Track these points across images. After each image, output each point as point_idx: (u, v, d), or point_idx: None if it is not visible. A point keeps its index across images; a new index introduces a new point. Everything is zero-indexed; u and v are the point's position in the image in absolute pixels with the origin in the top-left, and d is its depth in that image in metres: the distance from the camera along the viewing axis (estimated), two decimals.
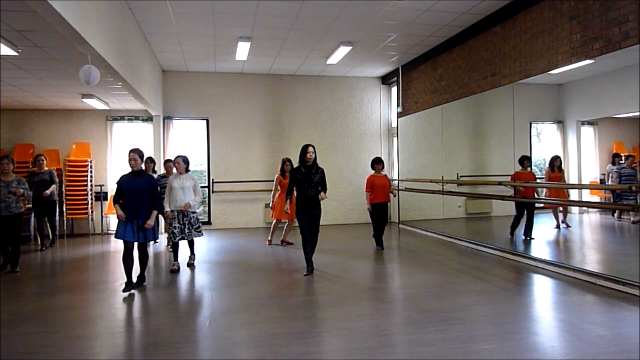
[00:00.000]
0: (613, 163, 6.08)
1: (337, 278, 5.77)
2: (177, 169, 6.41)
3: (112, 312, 4.58)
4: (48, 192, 7.87)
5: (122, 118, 10.38)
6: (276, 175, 8.09)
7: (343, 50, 8.70)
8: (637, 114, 5.17)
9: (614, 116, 6.24)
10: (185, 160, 6.39)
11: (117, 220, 5.23)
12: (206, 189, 10.73)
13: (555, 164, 6.43)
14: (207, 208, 10.76)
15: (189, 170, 6.46)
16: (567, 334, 3.81)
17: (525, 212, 6.80)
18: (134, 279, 5.29)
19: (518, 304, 4.64)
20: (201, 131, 10.77)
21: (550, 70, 5.96)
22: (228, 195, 10.67)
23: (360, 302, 4.80)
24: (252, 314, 4.40)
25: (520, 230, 6.93)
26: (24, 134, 10.02)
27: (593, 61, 5.35)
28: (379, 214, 7.48)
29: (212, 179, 10.61)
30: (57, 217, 8.81)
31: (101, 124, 10.32)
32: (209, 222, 10.64)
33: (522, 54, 6.51)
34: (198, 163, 11.05)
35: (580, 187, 6.23)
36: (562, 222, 6.74)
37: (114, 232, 5.36)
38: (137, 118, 10.41)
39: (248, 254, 7.50)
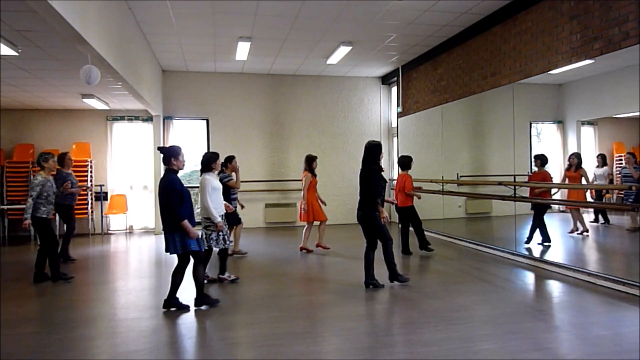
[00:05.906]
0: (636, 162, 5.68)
1: (337, 278, 5.77)
2: (216, 168, 5.61)
3: (112, 312, 4.59)
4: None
5: (122, 118, 10.38)
6: (308, 175, 7.26)
7: (343, 50, 8.70)
8: (637, 114, 5.16)
9: (614, 116, 6.24)
10: None
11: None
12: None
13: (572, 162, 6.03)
14: None
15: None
16: (567, 334, 3.81)
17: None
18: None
19: (518, 304, 4.64)
20: (201, 131, 10.77)
21: (550, 70, 5.96)
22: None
23: (360, 302, 4.80)
24: (252, 314, 4.41)
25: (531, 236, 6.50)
26: (24, 134, 10.02)
27: (593, 61, 5.35)
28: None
29: None
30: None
31: (101, 124, 10.32)
32: None
33: (522, 54, 6.50)
34: (197, 163, 11.03)
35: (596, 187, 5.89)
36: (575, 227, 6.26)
37: (199, 244, 4.46)
38: (137, 118, 10.41)
39: (248, 253, 7.49)
